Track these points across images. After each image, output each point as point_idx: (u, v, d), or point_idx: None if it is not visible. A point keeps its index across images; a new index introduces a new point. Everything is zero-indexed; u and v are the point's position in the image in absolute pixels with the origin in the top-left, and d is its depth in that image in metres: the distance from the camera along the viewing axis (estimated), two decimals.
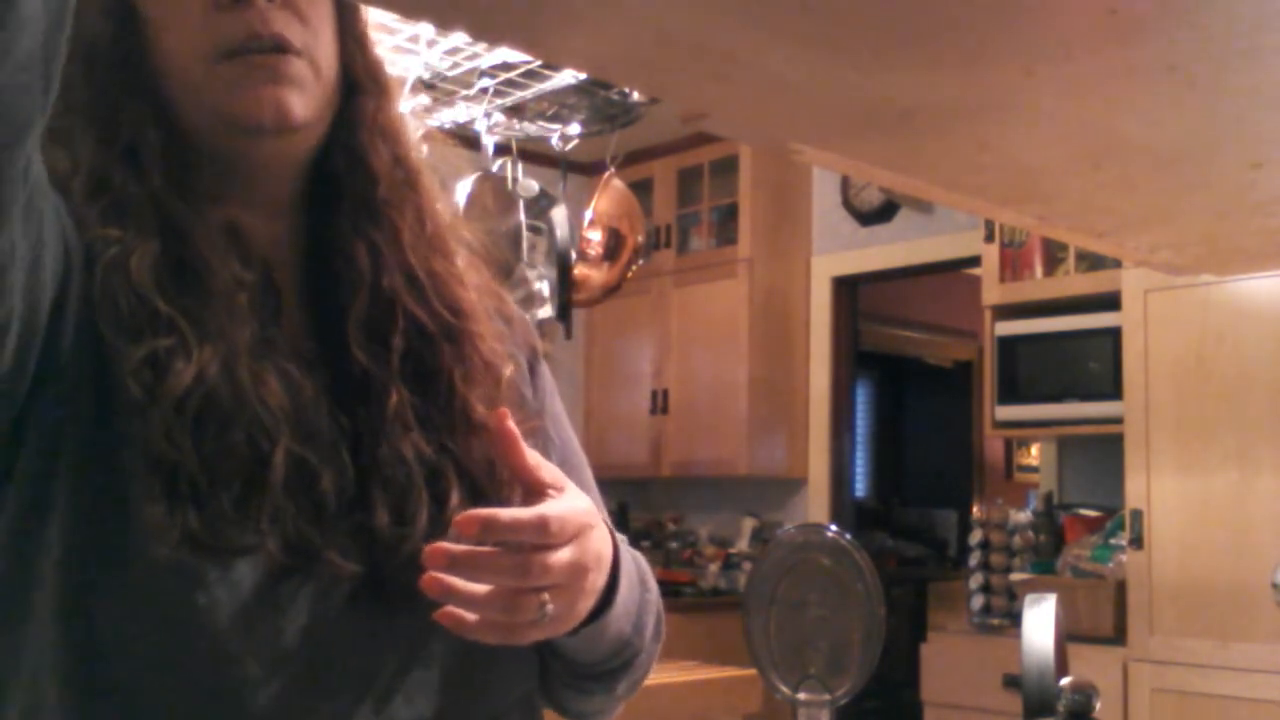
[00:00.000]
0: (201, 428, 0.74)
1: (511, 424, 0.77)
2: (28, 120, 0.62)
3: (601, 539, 0.81)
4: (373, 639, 0.79)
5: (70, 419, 0.74)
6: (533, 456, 0.78)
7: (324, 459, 0.79)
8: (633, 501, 5.39)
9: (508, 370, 0.89)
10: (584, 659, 0.89)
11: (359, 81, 0.87)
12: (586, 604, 0.81)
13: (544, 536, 0.74)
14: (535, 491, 0.77)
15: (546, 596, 0.74)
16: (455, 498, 0.82)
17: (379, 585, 0.79)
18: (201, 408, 0.75)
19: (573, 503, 0.78)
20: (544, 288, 2.37)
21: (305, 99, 0.81)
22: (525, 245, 2.32)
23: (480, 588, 0.72)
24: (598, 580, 0.81)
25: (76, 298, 0.75)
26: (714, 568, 5.03)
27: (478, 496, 0.83)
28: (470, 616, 0.72)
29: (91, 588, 0.73)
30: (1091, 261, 3.72)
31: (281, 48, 0.79)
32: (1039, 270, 3.90)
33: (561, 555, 0.75)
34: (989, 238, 3.98)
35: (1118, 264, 3.39)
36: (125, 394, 0.74)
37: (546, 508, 0.75)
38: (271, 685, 0.74)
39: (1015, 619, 3.57)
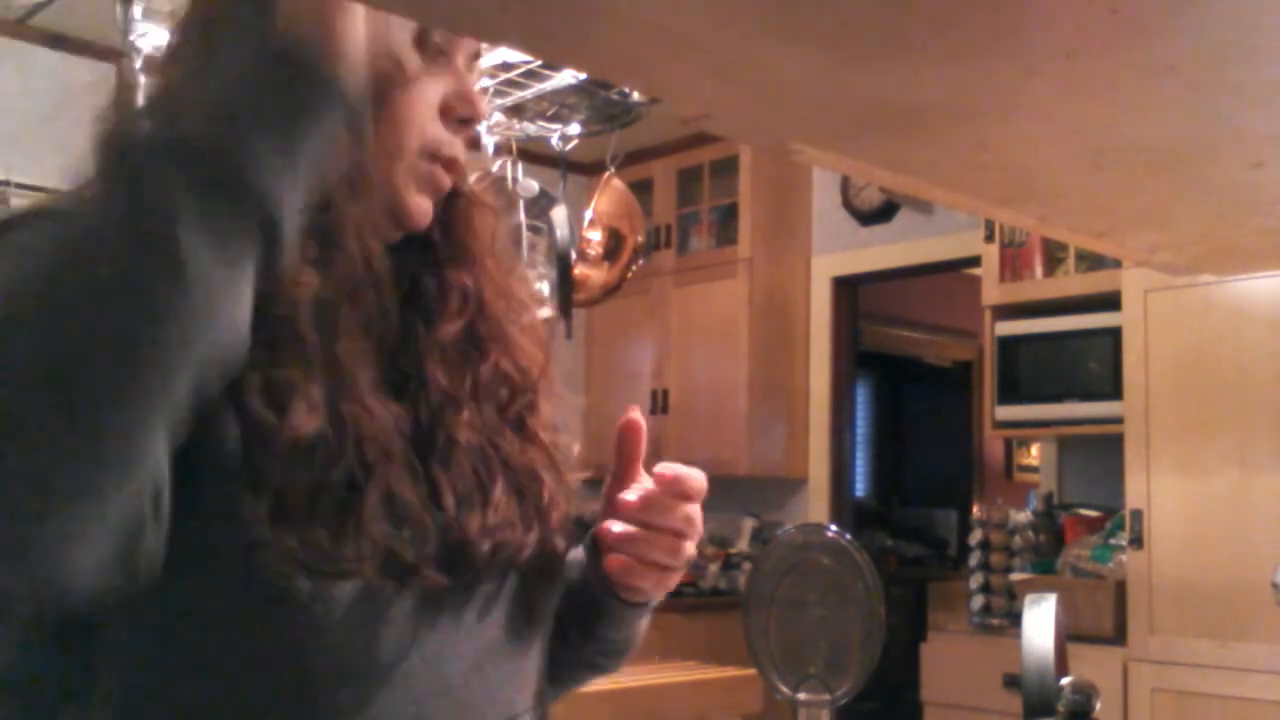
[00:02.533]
0: (309, 460, 0.75)
1: (640, 418, 0.94)
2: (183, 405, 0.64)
3: None
4: (453, 645, 0.81)
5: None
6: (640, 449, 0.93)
7: (406, 478, 0.81)
8: None
9: (576, 446, 1.02)
10: (617, 636, 0.97)
11: (474, 194, 0.95)
12: None
13: (700, 494, 0.89)
14: (628, 476, 0.92)
15: (691, 545, 0.89)
16: (500, 487, 0.87)
17: (453, 577, 0.81)
18: (314, 442, 0.75)
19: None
20: (544, 288, 2.37)
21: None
22: (525, 245, 2.32)
23: (652, 535, 0.88)
24: None
25: None
26: (714, 568, 5.03)
27: (519, 490, 0.90)
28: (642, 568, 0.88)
29: (182, 610, 0.74)
30: (1091, 261, 3.72)
31: (454, 167, 0.88)
32: (1039, 270, 3.90)
33: (698, 510, 0.90)
34: (989, 238, 3.98)
35: (1118, 264, 3.40)
36: (244, 424, 0.74)
37: (693, 470, 0.89)
38: (363, 707, 0.76)
39: (1015, 619, 3.57)
